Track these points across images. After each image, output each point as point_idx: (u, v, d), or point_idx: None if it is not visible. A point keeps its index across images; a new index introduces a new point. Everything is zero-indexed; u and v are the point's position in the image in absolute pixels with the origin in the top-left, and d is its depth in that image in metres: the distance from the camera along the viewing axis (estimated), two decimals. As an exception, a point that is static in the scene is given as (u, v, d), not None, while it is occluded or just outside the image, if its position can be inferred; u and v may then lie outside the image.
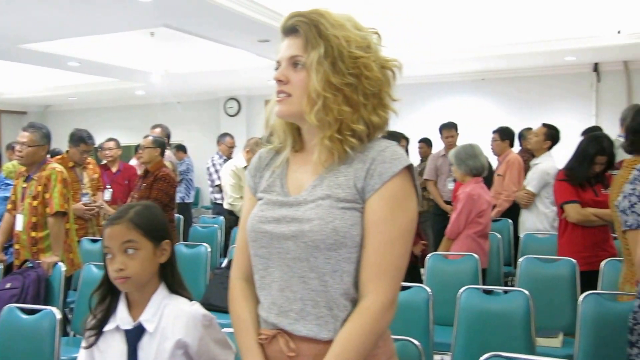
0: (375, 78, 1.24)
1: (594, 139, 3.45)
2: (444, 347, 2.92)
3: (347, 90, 1.22)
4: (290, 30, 1.27)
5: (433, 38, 7.78)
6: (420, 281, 3.60)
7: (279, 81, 1.27)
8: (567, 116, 8.46)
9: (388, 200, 1.21)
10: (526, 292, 2.65)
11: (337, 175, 1.25)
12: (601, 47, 7.51)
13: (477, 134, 6.00)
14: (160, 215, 1.64)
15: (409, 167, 1.25)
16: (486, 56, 7.98)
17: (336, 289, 1.22)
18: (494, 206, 5.19)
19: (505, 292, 2.88)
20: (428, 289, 2.76)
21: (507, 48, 7.71)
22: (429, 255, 3.69)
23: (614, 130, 4.71)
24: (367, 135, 1.26)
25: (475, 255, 3.53)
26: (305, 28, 1.23)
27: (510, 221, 5.09)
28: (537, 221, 4.51)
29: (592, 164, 3.38)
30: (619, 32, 7.16)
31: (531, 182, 4.55)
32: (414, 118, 9.11)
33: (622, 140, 4.17)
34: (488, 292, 2.94)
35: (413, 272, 3.91)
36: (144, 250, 1.55)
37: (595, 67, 8.66)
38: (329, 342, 1.21)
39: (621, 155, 3.87)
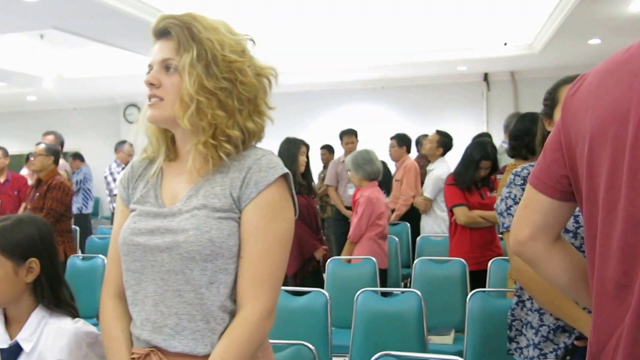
0: (251, 84, 1.22)
1: (478, 144, 3.63)
2: (342, 350, 2.97)
3: (221, 95, 1.19)
4: (162, 32, 1.23)
5: (335, 47, 7.93)
6: (323, 285, 3.64)
7: (151, 85, 1.22)
8: (460, 123, 8.88)
9: (264, 209, 1.19)
10: (418, 293, 2.74)
11: (213, 184, 1.22)
12: (490, 58, 7.96)
13: (378, 140, 6.19)
14: (29, 232, 1.52)
15: (286, 176, 1.24)
16: (385, 65, 8.23)
17: (213, 301, 1.18)
18: (393, 210, 5.36)
19: (402, 292, 2.97)
20: (326, 293, 2.79)
21: (405, 57, 7.99)
22: (329, 260, 3.74)
23: (502, 136, 5.00)
24: (243, 142, 1.24)
25: (373, 259, 3.62)
26: (178, 30, 1.20)
27: (409, 224, 5.26)
28: (435, 225, 4.69)
29: (477, 169, 3.56)
30: (505, 44, 7.62)
31: (427, 189, 4.74)
32: (317, 124, 9.25)
33: (506, 146, 4.43)
34: (386, 294, 3.03)
35: (316, 277, 3.93)
36: (1, 269, 1.45)
37: (485, 77, 9.17)
38: (206, 357, 1.18)
39: (505, 160, 4.12)
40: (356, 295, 2.82)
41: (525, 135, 2.60)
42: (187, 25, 1.20)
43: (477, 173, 3.58)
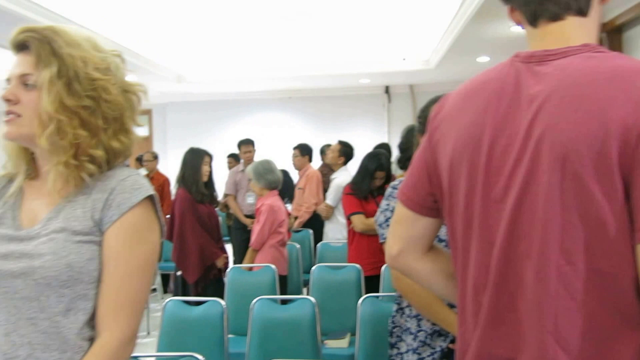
0: (116, 102, 1.17)
1: (373, 156, 3.74)
2: (240, 357, 2.94)
3: (83, 113, 1.13)
4: (20, 46, 1.15)
5: (245, 57, 7.90)
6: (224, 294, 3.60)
7: (8, 100, 1.13)
8: (363, 133, 9.11)
9: (126, 232, 1.13)
10: (312, 299, 2.77)
11: (74, 206, 1.15)
12: (390, 72, 8.23)
13: (286, 149, 6.21)
14: None
15: (151, 197, 1.18)
16: (292, 76, 8.30)
17: (70, 329, 1.11)
18: (296, 217, 5.40)
19: (297, 299, 2.99)
20: (222, 302, 2.76)
21: (311, 69, 8.10)
22: (229, 268, 3.71)
23: None
24: (107, 161, 1.18)
25: (273, 266, 3.62)
26: (37, 45, 1.13)
27: (311, 231, 5.31)
28: (337, 231, 4.76)
29: (372, 179, 3.67)
30: (404, 60, 7.90)
31: (329, 196, 4.81)
32: (227, 133, 9.15)
33: (401, 156, 4.59)
34: (285, 301, 3.04)
35: (218, 285, 3.88)
36: None
37: (387, 89, 9.46)
38: None
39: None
40: (252, 303, 2.81)
41: (410, 148, 2.70)
42: (48, 39, 1.13)
43: (372, 183, 3.68)
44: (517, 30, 5.67)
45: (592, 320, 0.91)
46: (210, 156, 4.07)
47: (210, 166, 4.06)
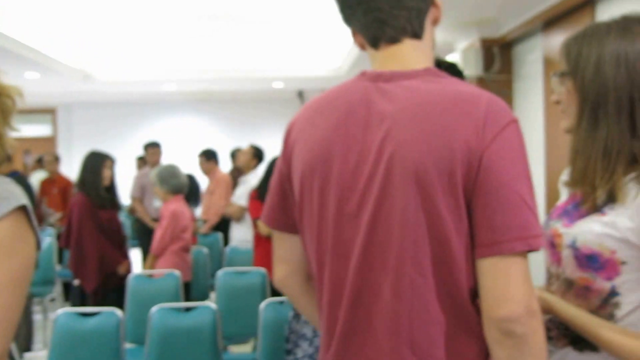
0: None
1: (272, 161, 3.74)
2: (139, 367, 2.84)
3: None
4: None
5: (157, 57, 7.68)
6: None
7: None
8: (276, 137, 9.08)
9: None
10: (213, 306, 2.72)
11: None
12: (304, 77, 8.28)
13: (197, 153, 6.06)
14: None
15: (23, 208, 1.10)
16: (206, 79, 8.16)
17: None
18: (205, 221, 5.30)
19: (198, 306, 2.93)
20: (118, 312, 2.65)
21: (224, 72, 8.00)
22: (130, 276, 3.57)
23: None
24: None
25: (177, 272, 3.53)
26: None
27: (221, 234, 5.24)
28: (248, 232, 4.71)
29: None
30: (317, 65, 7.98)
31: (241, 198, 4.76)
32: (138, 135, 8.86)
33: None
34: (188, 307, 2.96)
35: (119, 294, 3.72)
36: None
37: (300, 94, 9.51)
38: None
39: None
40: (151, 312, 2.72)
41: None
42: None
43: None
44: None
45: (443, 329, 0.96)
46: (112, 160, 3.92)
47: (113, 170, 3.91)
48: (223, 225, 5.31)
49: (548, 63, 4.18)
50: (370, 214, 0.97)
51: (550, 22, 4.09)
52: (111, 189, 3.89)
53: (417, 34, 1.05)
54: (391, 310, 0.96)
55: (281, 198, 1.13)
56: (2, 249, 1.06)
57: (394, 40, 1.04)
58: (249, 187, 4.68)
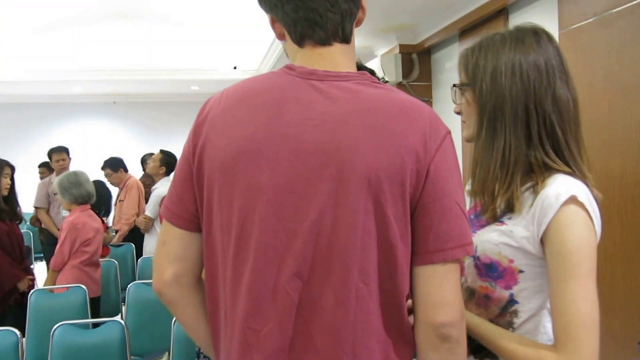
0: None
1: None
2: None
3: None
4: None
5: (65, 57, 7.31)
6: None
7: None
8: (193, 141, 8.90)
9: None
10: (121, 321, 2.60)
11: None
12: (221, 80, 8.14)
13: (107, 157, 5.78)
14: None
15: None
16: (117, 80, 7.86)
17: None
18: (117, 231, 5.08)
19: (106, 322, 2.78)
20: (16, 332, 2.47)
21: (138, 74, 7.74)
22: (31, 292, 3.35)
23: None
24: None
25: (83, 287, 3.34)
26: None
27: (133, 245, 5.03)
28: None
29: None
30: (235, 68, 7.89)
31: (148, 207, 4.58)
32: (43, 140, 8.36)
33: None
34: (90, 325, 2.81)
35: (19, 312, 3.47)
36: None
37: (218, 97, 9.37)
38: None
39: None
40: (52, 330, 2.55)
41: None
42: None
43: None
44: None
45: (382, 338, 0.95)
46: (10, 167, 3.66)
47: (12, 178, 3.66)
48: (136, 235, 5.11)
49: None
50: (312, 220, 0.92)
51: (466, 30, 4.25)
52: (10, 199, 3.63)
53: (346, 39, 1.03)
54: (333, 321, 0.93)
55: (184, 191, 1.04)
56: None
57: (323, 42, 1.01)
58: (158, 196, 4.53)
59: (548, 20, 3.46)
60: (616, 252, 2.83)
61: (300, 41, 1.02)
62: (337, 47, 1.02)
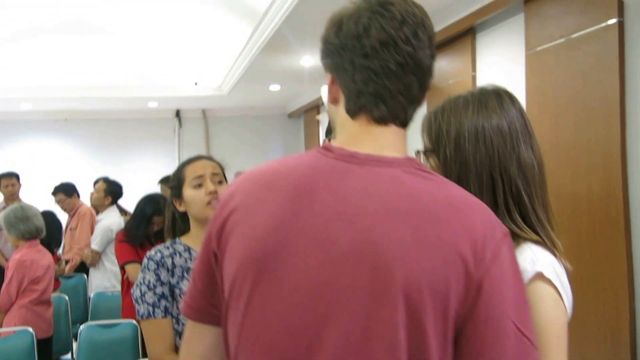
0: None
1: (149, 200, 3.49)
2: None
3: None
4: None
5: (9, 70, 7.06)
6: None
7: None
8: (152, 160, 8.70)
9: None
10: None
11: None
12: (181, 97, 8.00)
13: (60, 179, 5.55)
14: None
15: None
16: (69, 97, 7.61)
17: None
18: (67, 262, 4.88)
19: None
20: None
21: (90, 91, 7.53)
22: (-28, 336, 3.16)
23: None
24: None
25: (30, 329, 3.17)
26: None
27: (85, 276, 4.83)
28: (105, 279, 4.35)
29: (149, 224, 3.42)
30: (196, 84, 7.75)
31: (95, 240, 4.40)
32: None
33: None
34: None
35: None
36: None
37: (178, 113, 9.19)
38: None
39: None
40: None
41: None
42: None
43: (149, 228, 3.42)
44: (307, 63, 5.88)
45: None
46: None
47: None
48: (86, 266, 4.89)
49: (433, 90, 4.31)
50: (340, 333, 0.81)
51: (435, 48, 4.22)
52: None
53: (405, 124, 0.95)
54: None
55: (207, 285, 0.96)
56: None
57: (381, 121, 0.92)
58: (102, 228, 4.36)
59: (515, 41, 3.47)
60: (586, 273, 2.83)
61: (355, 113, 0.93)
62: (392, 129, 0.93)
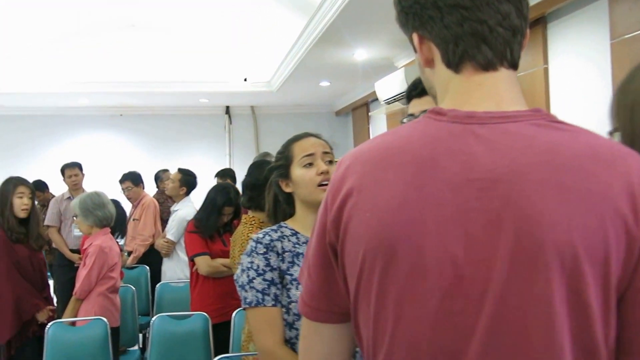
0: None
1: (221, 189, 3.37)
2: None
3: None
4: None
5: (71, 67, 7.09)
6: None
7: None
8: (204, 156, 8.66)
9: None
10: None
11: None
12: (231, 92, 7.91)
13: (117, 172, 5.53)
14: None
15: None
16: (124, 92, 7.61)
17: None
18: (130, 252, 4.82)
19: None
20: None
21: (145, 85, 7.49)
22: (49, 324, 3.09)
23: (244, 171, 4.76)
24: None
25: (104, 319, 3.09)
26: None
27: (147, 268, 4.76)
28: (178, 269, 4.25)
29: (220, 215, 3.30)
30: (245, 80, 7.66)
31: (170, 230, 4.29)
32: (48, 154, 8.09)
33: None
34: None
35: (38, 345, 3.19)
36: None
37: (227, 110, 9.12)
38: None
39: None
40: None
41: (264, 185, 2.37)
42: None
43: (219, 219, 3.31)
44: (360, 57, 5.71)
45: None
46: (28, 187, 3.41)
47: (32, 199, 3.40)
48: (150, 258, 4.83)
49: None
50: (489, 314, 0.70)
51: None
52: (29, 222, 3.38)
53: (515, 64, 0.80)
54: None
55: (325, 281, 0.85)
56: None
57: (487, 66, 0.78)
58: (178, 219, 4.25)
59: (596, 29, 3.24)
60: None
61: (458, 64, 0.79)
62: (502, 74, 0.79)
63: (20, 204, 3.33)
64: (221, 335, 3.05)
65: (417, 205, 0.73)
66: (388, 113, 6.23)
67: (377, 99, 6.49)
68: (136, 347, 4.05)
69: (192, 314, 3.14)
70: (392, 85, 5.47)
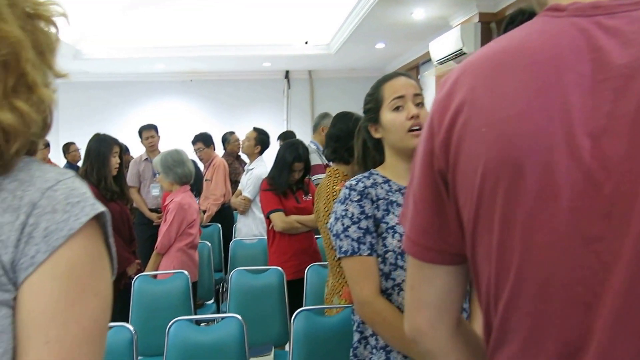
0: (10, 37, 0.63)
1: (290, 146, 3.32)
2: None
3: None
4: None
5: (145, 34, 7.15)
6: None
7: None
8: (264, 120, 8.63)
9: (62, 281, 0.63)
10: (239, 317, 2.34)
11: None
12: (292, 56, 7.83)
13: (186, 136, 5.60)
14: None
15: (99, 217, 0.69)
16: (195, 56, 7.64)
17: None
18: (204, 211, 4.89)
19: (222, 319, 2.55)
20: (131, 328, 2.26)
21: (214, 49, 7.49)
22: (135, 278, 3.16)
23: (301, 135, 4.74)
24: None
25: (185, 272, 3.14)
26: None
27: (220, 225, 4.83)
28: (254, 226, 4.26)
29: (291, 172, 3.26)
30: (306, 43, 7.54)
31: (247, 188, 4.29)
32: (123, 119, 8.27)
33: (314, 146, 4.21)
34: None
35: (125, 296, 3.28)
36: None
37: (287, 75, 9.05)
38: None
39: (314, 160, 3.89)
40: (169, 326, 2.33)
41: (348, 136, 2.29)
42: None
43: (291, 176, 3.27)
44: (419, 16, 5.52)
45: None
46: (120, 146, 3.44)
47: (121, 157, 3.44)
48: (222, 217, 4.90)
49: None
50: (637, 235, 0.58)
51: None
52: (119, 179, 3.41)
53: None
54: None
55: (436, 215, 0.74)
56: (76, 286, 0.64)
57: None
58: (255, 177, 4.24)
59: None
60: None
61: None
62: None
63: (114, 163, 3.33)
64: (295, 292, 3.05)
65: (542, 113, 0.62)
66: (438, 74, 6.03)
67: (427, 61, 6.30)
68: (212, 301, 4.13)
69: (268, 269, 3.15)
70: (446, 44, 5.28)
